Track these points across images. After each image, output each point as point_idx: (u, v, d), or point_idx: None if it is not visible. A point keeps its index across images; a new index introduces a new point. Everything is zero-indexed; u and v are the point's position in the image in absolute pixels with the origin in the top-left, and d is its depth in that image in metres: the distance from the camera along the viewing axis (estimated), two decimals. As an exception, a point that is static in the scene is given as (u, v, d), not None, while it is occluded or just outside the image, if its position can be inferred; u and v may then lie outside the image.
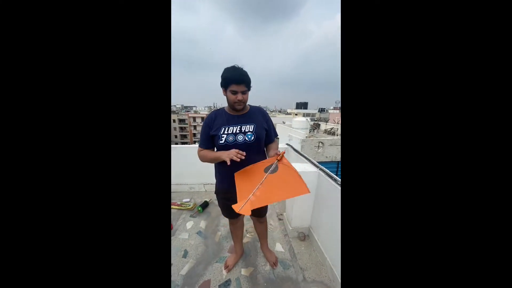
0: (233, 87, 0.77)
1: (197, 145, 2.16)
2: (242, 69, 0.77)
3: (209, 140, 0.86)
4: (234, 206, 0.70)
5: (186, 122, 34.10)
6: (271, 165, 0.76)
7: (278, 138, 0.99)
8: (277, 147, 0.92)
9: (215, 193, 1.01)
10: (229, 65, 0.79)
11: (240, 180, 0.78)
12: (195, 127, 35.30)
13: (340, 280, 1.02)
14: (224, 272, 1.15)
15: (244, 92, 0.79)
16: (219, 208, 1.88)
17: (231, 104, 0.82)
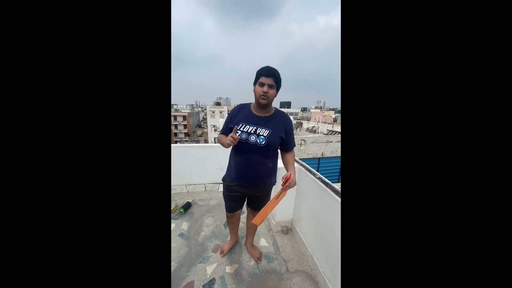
0: (262, 79, 0.80)
1: (177, 145, 2.09)
2: (274, 68, 0.82)
3: (228, 129, 0.92)
4: (253, 221, 0.85)
5: (166, 121, 32.07)
6: (280, 194, 0.88)
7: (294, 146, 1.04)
8: (293, 162, 0.96)
9: (222, 180, 1.07)
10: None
11: (267, 207, 0.92)
12: (176, 126, 33.51)
13: (320, 268, 1.09)
14: (220, 256, 1.23)
15: (271, 87, 0.81)
16: (202, 209, 1.87)
17: (257, 98, 0.83)
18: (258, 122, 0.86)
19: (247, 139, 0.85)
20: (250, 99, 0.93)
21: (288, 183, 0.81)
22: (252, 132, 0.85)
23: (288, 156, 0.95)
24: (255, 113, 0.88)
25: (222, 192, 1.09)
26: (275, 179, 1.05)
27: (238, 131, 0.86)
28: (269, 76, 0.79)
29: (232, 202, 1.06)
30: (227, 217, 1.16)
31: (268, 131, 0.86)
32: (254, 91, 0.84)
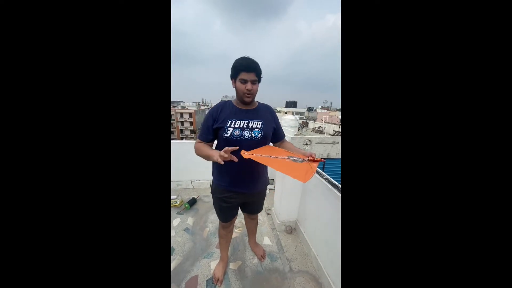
0: (243, 75, 0.72)
1: (184, 141, 2.10)
2: (253, 59, 0.74)
3: (209, 132, 0.80)
4: (243, 152, 0.68)
5: (173, 118, 32.79)
6: (297, 158, 0.73)
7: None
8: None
9: (211, 192, 0.95)
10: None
11: (266, 148, 0.81)
12: (182, 123, 34.07)
13: (324, 270, 1.08)
14: (217, 286, 1.06)
15: (254, 82, 0.75)
16: (207, 205, 1.89)
17: (239, 96, 0.77)
18: (248, 115, 0.80)
19: (241, 135, 0.77)
20: (257, 98, 0.87)
21: (314, 158, 0.71)
22: (244, 126, 0.77)
23: (287, 143, 0.90)
24: (240, 107, 0.80)
25: (205, 201, 0.98)
26: (268, 177, 0.99)
27: (229, 128, 0.75)
28: (250, 71, 0.72)
29: (228, 212, 0.96)
30: (222, 227, 1.04)
31: (261, 122, 0.80)
32: (236, 88, 0.76)
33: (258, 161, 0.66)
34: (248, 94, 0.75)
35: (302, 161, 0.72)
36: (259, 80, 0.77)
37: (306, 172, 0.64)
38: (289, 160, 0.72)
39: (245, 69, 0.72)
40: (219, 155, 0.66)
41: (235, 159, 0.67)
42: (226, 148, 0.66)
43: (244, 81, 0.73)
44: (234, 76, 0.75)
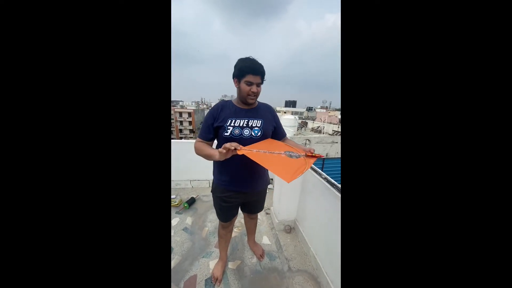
0: (249, 78, 0.73)
1: (183, 140, 2.09)
2: (257, 61, 0.75)
3: (210, 131, 0.81)
4: (239, 150, 0.67)
5: (172, 117, 32.69)
6: (295, 153, 0.75)
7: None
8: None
9: (211, 191, 0.96)
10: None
11: (264, 142, 0.82)
12: (181, 122, 33.98)
13: (323, 269, 1.09)
14: (216, 286, 1.06)
15: (259, 85, 0.76)
16: (206, 205, 1.89)
17: (243, 97, 0.78)
18: (248, 114, 0.81)
19: (241, 133, 0.78)
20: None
21: (313, 153, 0.73)
22: (244, 125, 0.79)
23: (288, 141, 0.91)
24: (241, 107, 0.82)
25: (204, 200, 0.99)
26: (268, 176, 1.00)
27: (229, 127, 0.77)
28: (257, 75, 0.73)
29: (228, 212, 0.96)
30: (222, 227, 1.04)
31: (260, 121, 0.82)
32: (240, 88, 0.77)
33: (251, 158, 0.66)
34: (252, 96, 0.77)
35: (299, 157, 0.73)
36: (262, 82, 0.78)
37: (296, 170, 0.64)
38: (285, 155, 0.73)
39: (252, 72, 0.73)
40: (219, 155, 0.68)
41: (236, 152, 0.67)
42: (224, 145, 0.66)
43: (250, 83, 0.74)
44: (238, 76, 0.75)
